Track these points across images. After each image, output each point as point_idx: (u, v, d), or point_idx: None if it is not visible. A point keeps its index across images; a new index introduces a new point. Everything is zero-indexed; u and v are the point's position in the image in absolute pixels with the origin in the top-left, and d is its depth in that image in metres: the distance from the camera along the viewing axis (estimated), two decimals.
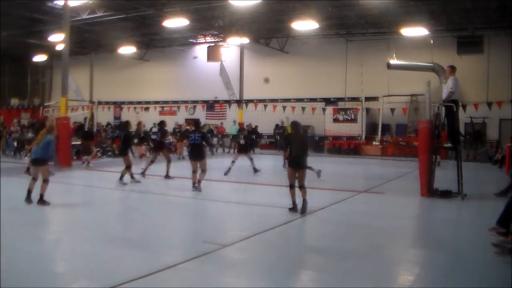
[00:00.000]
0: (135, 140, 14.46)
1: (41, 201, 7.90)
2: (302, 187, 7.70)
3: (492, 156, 18.66)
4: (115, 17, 20.25)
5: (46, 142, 8.05)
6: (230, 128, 23.76)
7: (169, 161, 12.51)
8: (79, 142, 16.91)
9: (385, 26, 21.63)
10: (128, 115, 24.50)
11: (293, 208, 7.75)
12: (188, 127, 22.86)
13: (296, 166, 7.73)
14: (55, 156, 8.48)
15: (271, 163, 17.55)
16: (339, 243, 6.17)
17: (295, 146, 7.75)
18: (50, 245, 5.98)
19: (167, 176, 12.23)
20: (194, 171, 10.00)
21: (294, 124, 8.08)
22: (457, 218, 8.42)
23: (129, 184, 11.02)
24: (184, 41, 27.43)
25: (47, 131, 8.24)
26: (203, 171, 10.00)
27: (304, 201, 7.67)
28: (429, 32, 19.78)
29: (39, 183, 8.04)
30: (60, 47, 18.93)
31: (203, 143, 10.22)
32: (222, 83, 24.85)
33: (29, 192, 8.01)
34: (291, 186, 7.75)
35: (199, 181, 9.90)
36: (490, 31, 20.45)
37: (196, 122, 10.72)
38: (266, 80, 26.47)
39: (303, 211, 7.64)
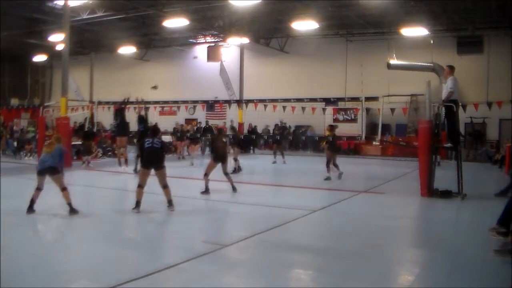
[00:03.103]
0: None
1: (72, 210, 7.39)
2: (227, 174, 10.23)
3: (492, 156, 18.66)
4: (115, 17, 20.24)
5: (57, 152, 7.65)
6: (228, 128, 23.75)
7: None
8: (79, 142, 16.94)
9: (385, 26, 21.62)
10: (128, 115, 24.55)
11: (206, 192, 9.69)
12: (188, 128, 22.87)
13: (221, 160, 10.03)
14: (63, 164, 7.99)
15: (270, 163, 17.54)
16: (339, 243, 6.17)
17: (221, 146, 10.17)
18: (50, 245, 5.98)
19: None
20: (141, 185, 7.74)
21: (220, 130, 11.89)
22: (457, 218, 8.42)
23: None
24: (184, 41, 27.43)
25: (56, 141, 7.84)
26: (165, 186, 7.88)
27: (232, 183, 10.12)
28: (429, 32, 19.77)
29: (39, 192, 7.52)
30: (60, 47, 18.93)
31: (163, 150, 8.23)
32: (222, 83, 24.86)
33: (32, 202, 7.50)
34: (207, 175, 9.85)
35: (170, 201, 7.88)
36: (490, 31, 20.46)
37: (154, 130, 8.57)
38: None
39: (234, 190, 10.03)
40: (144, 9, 19.06)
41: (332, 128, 13.08)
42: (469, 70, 19.43)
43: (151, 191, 10.14)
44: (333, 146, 12.77)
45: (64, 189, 7.50)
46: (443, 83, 13.43)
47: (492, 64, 20.53)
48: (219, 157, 10.05)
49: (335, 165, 12.55)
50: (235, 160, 13.78)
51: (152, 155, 7.87)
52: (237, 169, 13.55)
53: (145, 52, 28.99)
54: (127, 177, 12.69)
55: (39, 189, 7.50)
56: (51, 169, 7.51)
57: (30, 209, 7.42)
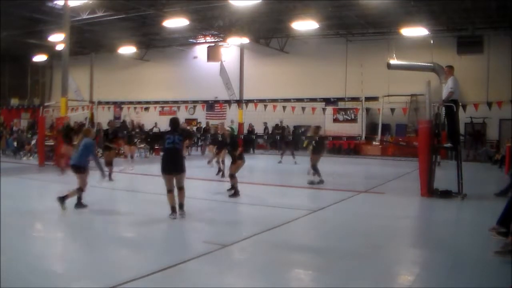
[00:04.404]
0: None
1: (62, 198, 7.38)
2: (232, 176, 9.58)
3: (492, 156, 18.67)
4: (115, 17, 20.25)
5: (84, 146, 7.65)
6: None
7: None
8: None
9: (385, 26, 21.64)
10: (129, 116, 24.61)
11: (235, 194, 9.41)
12: (188, 127, 22.82)
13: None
14: (97, 158, 8.07)
15: (270, 163, 17.55)
16: (339, 243, 6.17)
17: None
18: (50, 245, 5.98)
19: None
20: (170, 190, 7.15)
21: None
22: (457, 218, 8.42)
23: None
24: (184, 41, 27.44)
25: (84, 134, 7.82)
26: (181, 188, 7.21)
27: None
28: (429, 32, 19.78)
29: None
30: (60, 47, 18.94)
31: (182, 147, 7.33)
32: (222, 83, 24.87)
33: (79, 199, 7.73)
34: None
35: (182, 205, 7.25)
36: (490, 31, 20.47)
37: (174, 122, 7.49)
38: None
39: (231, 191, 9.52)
40: (144, 9, 19.07)
41: (317, 129, 12.27)
42: (469, 70, 19.44)
43: (151, 191, 10.14)
44: (318, 148, 11.79)
45: (79, 189, 7.54)
46: (443, 83, 13.45)
47: (492, 64, 20.54)
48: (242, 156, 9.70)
49: (315, 169, 11.54)
50: (218, 162, 13.17)
51: (173, 158, 7.05)
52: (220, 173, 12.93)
53: (145, 52, 29.00)
54: (128, 177, 12.68)
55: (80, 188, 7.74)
56: (74, 167, 7.65)
57: (79, 205, 7.67)
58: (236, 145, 9.91)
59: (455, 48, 20.83)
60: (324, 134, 13.32)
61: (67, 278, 4.62)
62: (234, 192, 9.50)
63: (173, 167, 7.03)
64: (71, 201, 7.58)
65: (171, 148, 7.01)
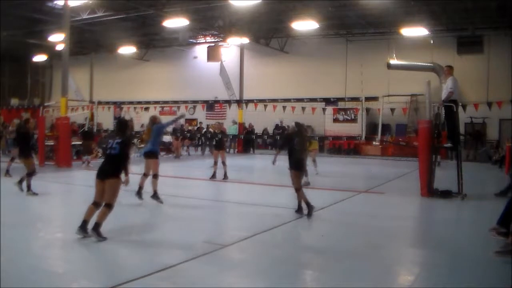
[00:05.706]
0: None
1: (155, 196, 8.13)
2: (299, 190, 7.69)
3: (492, 156, 18.67)
4: (115, 17, 20.26)
5: (155, 132, 8.43)
6: (229, 128, 23.77)
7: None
8: (79, 142, 16.93)
9: (385, 26, 21.65)
10: (128, 115, 24.59)
11: (299, 210, 7.75)
12: (190, 128, 22.83)
13: (297, 167, 7.70)
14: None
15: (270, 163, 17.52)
16: (339, 243, 6.17)
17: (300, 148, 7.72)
18: (50, 245, 5.98)
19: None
20: (96, 203, 6.03)
21: (299, 126, 7.99)
22: (457, 218, 8.42)
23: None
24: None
25: (152, 122, 8.67)
26: (108, 205, 5.96)
27: (307, 203, 7.60)
28: (429, 32, 19.78)
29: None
30: (60, 47, 18.94)
31: (124, 155, 6.15)
32: (222, 83, 24.87)
33: (140, 188, 8.31)
34: (298, 189, 7.66)
35: (97, 225, 5.83)
36: (490, 31, 20.48)
37: (119, 123, 6.83)
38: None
39: (310, 215, 7.56)
40: (144, 9, 19.07)
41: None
42: (469, 70, 19.45)
43: (148, 191, 10.14)
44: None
45: (155, 176, 8.16)
46: (443, 83, 13.44)
47: (492, 64, 20.55)
48: (293, 163, 7.67)
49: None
50: (224, 164, 12.43)
51: (107, 164, 6.13)
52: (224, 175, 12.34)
53: (145, 52, 28.99)
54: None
55: (145, 175, 8.42)
56: (146, 154, 8.41)
57: (139, 194, 8.32)
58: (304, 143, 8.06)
59: (455, 48, 20.85)
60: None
61: (66, 278, 4.61)
62: (298, 208, 7.78)
63: (105, 171, 6.04)
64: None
65: (108, 154, 6.18)
